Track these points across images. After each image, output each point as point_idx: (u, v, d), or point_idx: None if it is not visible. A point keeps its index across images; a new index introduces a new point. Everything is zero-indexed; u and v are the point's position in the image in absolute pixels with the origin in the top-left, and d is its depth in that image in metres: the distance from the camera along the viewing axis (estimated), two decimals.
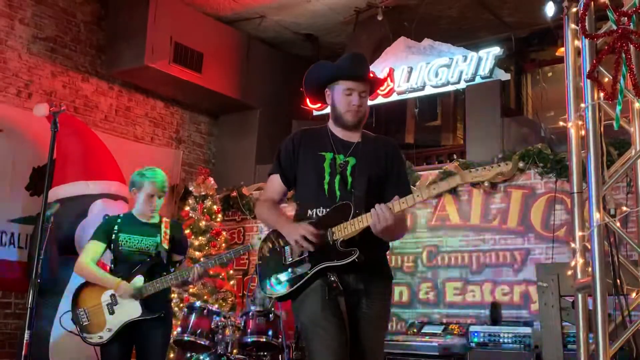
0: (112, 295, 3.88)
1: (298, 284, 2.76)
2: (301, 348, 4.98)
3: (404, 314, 6.14)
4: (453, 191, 6.07)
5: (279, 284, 2.81)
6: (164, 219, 4.13)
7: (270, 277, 2.84)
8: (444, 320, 5.82)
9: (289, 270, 2.80)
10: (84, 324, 3.88)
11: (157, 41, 6.76)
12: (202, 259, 5.58)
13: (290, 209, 4.00)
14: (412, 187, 3.03)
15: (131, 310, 3.83)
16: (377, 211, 2.63)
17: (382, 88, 6.81)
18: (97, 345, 3.87)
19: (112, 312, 3.86)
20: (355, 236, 2.72)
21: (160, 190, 4.00)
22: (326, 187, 2.84)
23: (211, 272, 6.41)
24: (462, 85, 6.58)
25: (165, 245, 3.99)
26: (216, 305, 5.71)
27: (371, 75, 3.06)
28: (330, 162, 2.87)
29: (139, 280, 3.86)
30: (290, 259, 2.80)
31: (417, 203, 2.73)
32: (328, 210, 2.80)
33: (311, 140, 2.98)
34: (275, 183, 3.00)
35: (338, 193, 2.83)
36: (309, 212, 2.85)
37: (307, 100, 7.37)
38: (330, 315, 2.69)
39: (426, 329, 5.54)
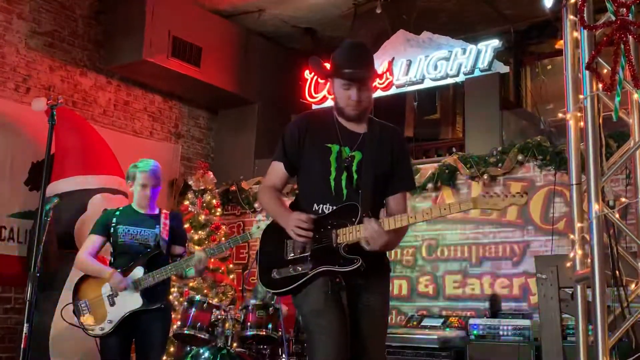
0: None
1: (298, 282, 2.72)
2: (301, 341, 4.99)
3: (403, 307, 6.14)
4: (452, 184, 6.08)
5: (279, 279, 2.77)
6: (164, 211, 4.14)
7: (270, 271, 2.80)
8: (444, 313, 5.83)
9: (290, 266, 2.75)
10: (85, 315, 3.89)
11: (156, 35, 6.74)
12: None
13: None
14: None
15: (132, 301, 3.84)
16: (370, 233, 2.60)
17: (380, 81, 6.79)
18: (98, 336, 3.89)
19: (112, 304, 3.87)
20: None
21: (152, 179, 4.00)
22: (332, 183, 2.78)
23: (211, 266, 6.42)
24: (461, 78, 6.56)
25: (165, 236, 3.99)
26: (216, 299, 5.71)
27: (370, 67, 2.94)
28: (337, 156, 2.80)
29: (138, 271, 3.87)
30: (292, 255, 2.76)
31: (410, 225, 2.71)
32: (334, 208, 2.75)
33: (317, 129, 2.89)
34: (279, 170, 2.93)
35: (345, 191, 2.77)
36: (315, 206, 2.80)
37: (306, 94, 7.36)
38: (333, 308, 2.68)
39: (426, 322, 5.55)
